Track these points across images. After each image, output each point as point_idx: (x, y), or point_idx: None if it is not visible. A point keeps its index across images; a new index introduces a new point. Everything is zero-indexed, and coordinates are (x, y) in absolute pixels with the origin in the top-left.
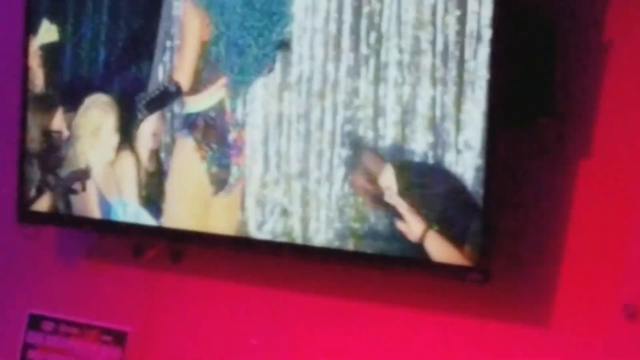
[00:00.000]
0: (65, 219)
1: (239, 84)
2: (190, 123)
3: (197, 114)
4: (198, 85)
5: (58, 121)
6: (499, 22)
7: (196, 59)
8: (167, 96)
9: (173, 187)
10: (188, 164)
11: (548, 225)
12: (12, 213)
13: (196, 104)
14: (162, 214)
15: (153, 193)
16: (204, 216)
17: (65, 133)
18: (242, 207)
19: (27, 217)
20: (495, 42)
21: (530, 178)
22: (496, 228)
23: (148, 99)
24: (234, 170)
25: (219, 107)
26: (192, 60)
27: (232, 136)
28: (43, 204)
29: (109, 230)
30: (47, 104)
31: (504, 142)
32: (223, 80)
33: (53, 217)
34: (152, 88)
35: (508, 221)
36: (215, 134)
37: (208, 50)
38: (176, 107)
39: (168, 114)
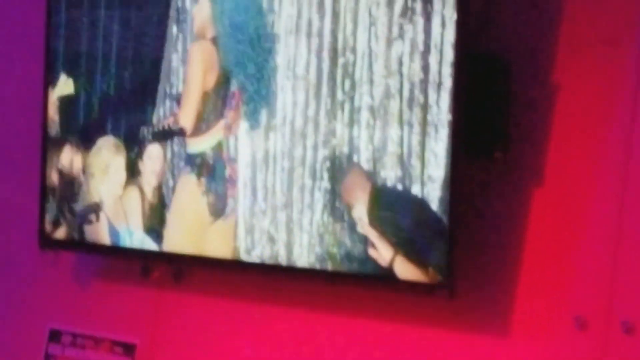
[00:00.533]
0: (80, 245)
1: (234, 126)
2: (192, 162)
3: (199, 154)
4: (200, 129)
5: (74, 161)
6: (458, 69)
7: (199, 105)
8: (171, 134)
9: (175, 217)
10: (190, 197)
11: (506, 245)
12: (35, 241)
13: (198, 145)
14: (163, 240)
15: (156, 222)
16: (203, 242)
17: (80, 171)
18: (235, 234)
19: (48, 244)
20: (456, 88)
21: (489, 204)
22: (459, 250)
23: (154, 131)
24: (230, 201)
25: (218, 147)
26: (195, 107)
27: (227, 172)
28: (60, 233)
29: (118, 254)
30: (63, 145)
31: (465, 174)
32: (222, 123)
33: (69, 244)
34: (157, 124)
35: (469, 243)
36: (213, 171)
37: (211, 98)
38: (177, 147)
39: (169, 154)
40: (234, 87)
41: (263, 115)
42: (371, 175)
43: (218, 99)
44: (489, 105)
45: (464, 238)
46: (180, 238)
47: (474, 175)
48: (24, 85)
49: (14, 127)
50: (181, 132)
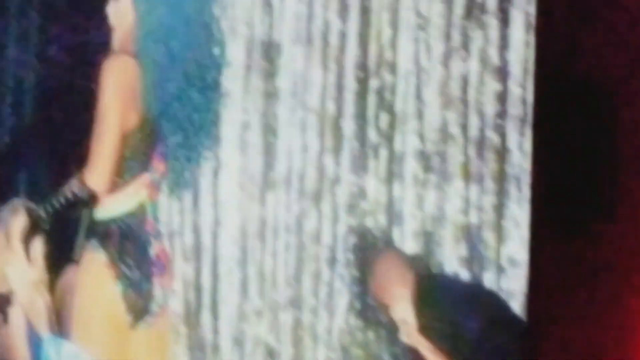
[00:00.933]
0: None
1: (173, 182)
2: (101, 232)
3: (110, 221)
4: (113, 185)
5: None
6: (546, 95)
7: (114, 151)
8: (75, 205)
9: (81, 315)
10: (97, 285)
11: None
12: None
13: (109, 208)
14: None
15: (63, 323)
16: (122, 354)
17: None
18: (214, 346)
19: None
20: (541, 123)
21: (588, 298)
22: None
23: (53, 207)
24: (157, 293)
25: (138, 213)
26: (109, 156)
27: (153, 250)
28: None
29: None
30: None
31: (554, 253)
32: (145, 179)
33: None
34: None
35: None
36: (132, 247)
37: (131, 139)
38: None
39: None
40: (167, 124)
41: (257, 164)
42: (419, 259)
43: (141, 143)
44: (590, 154)
45: (551, 345)
46: (91, 347)
47: (566, 255)
48: None
49: None
50: (91, 201)
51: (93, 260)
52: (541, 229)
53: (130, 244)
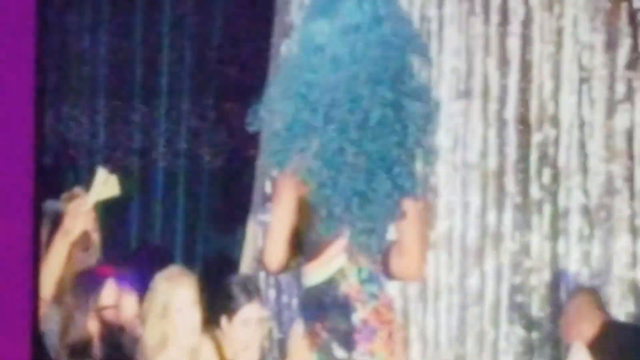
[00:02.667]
0: None
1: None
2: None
3: (308, 289)
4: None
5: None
6: None
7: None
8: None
9: None
10: (295, 356)
11: None
12: None
13: (309, 275)
14: None
15: None
16: None
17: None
18: None
19: None
20: None
21: None
22: None
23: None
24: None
25: (338, 278)
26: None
27: (358, 316)
28: None
29: None
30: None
31: None
32: (342, 243)
33: None
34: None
35: None
36: (330, 315)
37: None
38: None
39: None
40: None
41: None
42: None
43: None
44: None
45: None
46: None
47: None
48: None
49: None
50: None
51: (297, 342)
52: None
53: (328, 312)
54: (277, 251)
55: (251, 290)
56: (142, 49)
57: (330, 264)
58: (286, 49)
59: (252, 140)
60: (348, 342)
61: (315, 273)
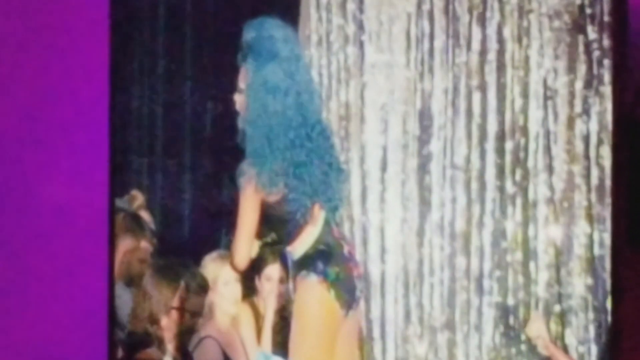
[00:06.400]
0: None
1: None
2: (304, 263)
3: (306, 253)
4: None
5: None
6: None
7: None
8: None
9: (300, 329)
10: (315, 300)
11: None
12: None
13: (300, 248)
14: None
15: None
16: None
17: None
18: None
19: None
20: None
21: None
22: None
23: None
24: (357, 282)
25: (325, 230)
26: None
27: (345, 249)
28: None
29: None
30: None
31: None
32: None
33: None
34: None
35: None
36: (331, 257)
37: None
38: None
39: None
40: None
41: (414, 213)
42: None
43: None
44: None
45: None
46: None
47: None
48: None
49: None
50: None
51: (306, 284)
52: None
53: (330, 256)
54: (243, 252)
55: (274, 253)
56: None
57: (307, 240)
58: None
59: None
60: (348, 271)
61: (299, 248)
